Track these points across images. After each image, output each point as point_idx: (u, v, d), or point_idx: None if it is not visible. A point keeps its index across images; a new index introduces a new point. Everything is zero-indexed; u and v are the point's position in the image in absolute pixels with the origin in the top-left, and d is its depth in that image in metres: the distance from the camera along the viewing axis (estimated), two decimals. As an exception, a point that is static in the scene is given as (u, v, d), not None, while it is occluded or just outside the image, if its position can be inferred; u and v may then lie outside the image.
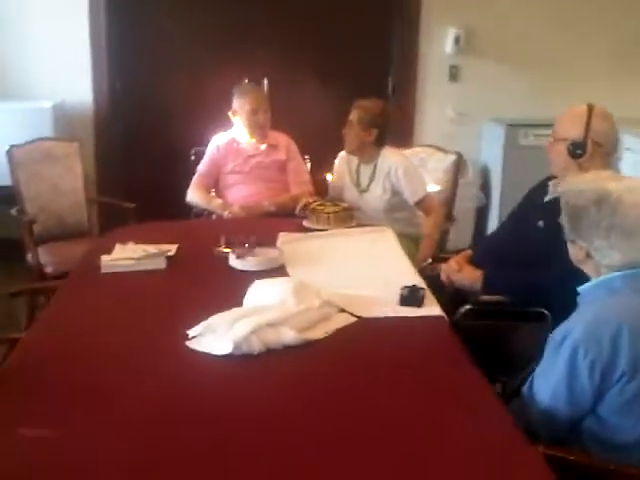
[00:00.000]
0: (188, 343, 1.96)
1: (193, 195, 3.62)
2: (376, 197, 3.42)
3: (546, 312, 2.33)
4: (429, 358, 1.96)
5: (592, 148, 2.41)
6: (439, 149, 3.86)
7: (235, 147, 3.65)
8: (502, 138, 4.86)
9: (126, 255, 2.59)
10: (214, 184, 3.67)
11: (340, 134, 3.44)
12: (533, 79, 5.13)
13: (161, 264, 2.57)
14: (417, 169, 3.49)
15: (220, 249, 2.72)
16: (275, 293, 2.11)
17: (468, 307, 2.33)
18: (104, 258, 2.58)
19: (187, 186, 3.72)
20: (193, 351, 1.93)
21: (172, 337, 2.01)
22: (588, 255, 1.71)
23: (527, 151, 4.81)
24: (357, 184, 3.50)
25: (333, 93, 4.88)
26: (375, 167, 3.46)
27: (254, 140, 3.63)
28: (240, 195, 3.57)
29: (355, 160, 3.52)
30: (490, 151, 5.10)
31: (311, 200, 3.35)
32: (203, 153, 3.80)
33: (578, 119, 2.43)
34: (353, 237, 2.95)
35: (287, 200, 3.52)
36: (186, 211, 3.72)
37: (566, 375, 1.62)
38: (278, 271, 2.53)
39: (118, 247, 2.72)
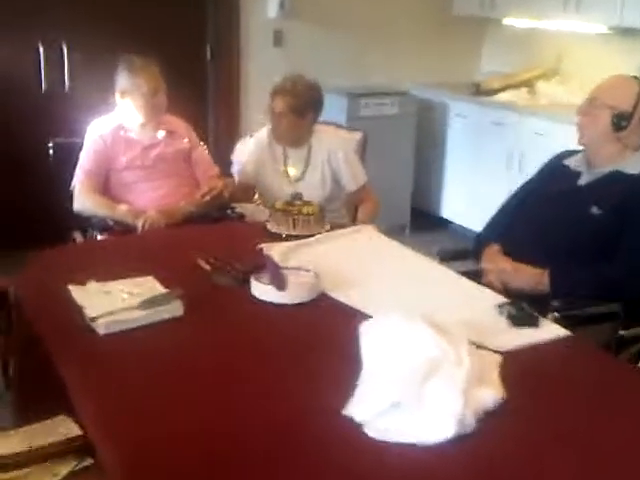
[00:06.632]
0: (368, 431, 1.42)
1: (86, 201, 2.79)
2: (314, 186, 2.96)
3: (619, 310, 2.20)
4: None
5: (636, 122, 2.28)
6: (340, 127, 3.49)
7: (124, 136, 2.88)
8: (344, 110, 4.60)
9: (119, 305, 1.86)
10: (104, 184, 2.87)
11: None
12: (359, 44, 4.96)
13: (178, 310, 1.88)
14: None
15: (224, 277, 2.10)
16: (418, 341, 1.62)
17: (556, 315, 2.07)
18: (89, 312, 1.82)
19: (52, 192, 2.90)
20: (375, 440, 1.41)
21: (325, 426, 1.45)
22: None
23: (368, 122, 4.64)
24: (286, 172, 3.01)
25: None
26: (310, 151, 3.00)
27: (147, 127, 2.90)
28: (150, 197, 2.83)
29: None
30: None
31: (222, 186, 2.83)
32: (66, 146, 2.97)
33: (630, 90, 2.26)
34: (347, 242, 2.47)
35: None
36: (58, 225, 2.87)
37: None
38: (322, 300, 2.02)
39: (76, 290, 1.96)
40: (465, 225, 4.91)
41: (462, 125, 4.92)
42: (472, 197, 4.85)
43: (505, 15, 4.97)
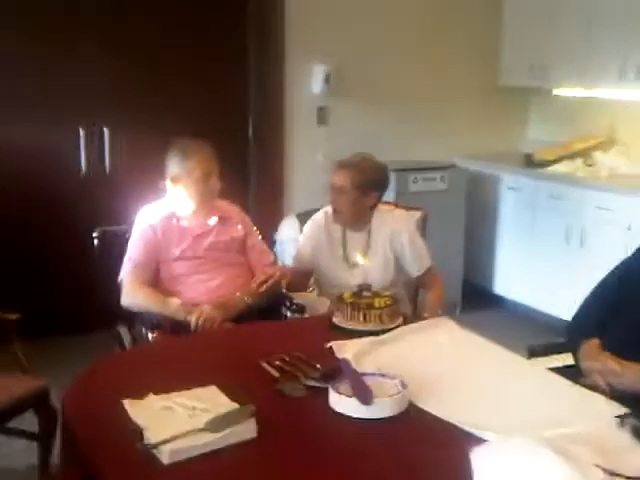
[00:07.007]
0: None
1: (135, 296, 2.58)
2: (375, 272, 2.74)
3: None
4: None
5: None
6: (397, 206, 3.29)
7: (176, 225, 2.69)
8: (393, 186, 4.38)
9: (183, 426, 1.61)
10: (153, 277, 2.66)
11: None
12: (404, 118, 4.81)
13: (251, 431, 1.64)
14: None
15: (296, 387, 1.86)
16: (545, 474, 1.37)
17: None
18: (150, 437, 1.58)
19: (97, 282, 2.71)
20: None
21: None
22: None
23: (417, 197, 4.44)
24: (345, 257, 2.80)
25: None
26: (369, 234, 2.80)
27: (199, 213, 2.72)
28: (203, 288, 2.61)
29: (337, 226, 2.82)
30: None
31: (280, 275, 2.62)
32: (113, 235, 2.80)
33: None
34: (427, 339, 2.23)
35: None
36: (103, 318, 2.67)
37: None
38: (411, 413, 1.76)
39: (133, 407, 1.73)
40: (520, 301, 4.67)
41: (515, 198, 4.70)
42: (527, 273, 4.62)
43: (557, 85, 4.81)
